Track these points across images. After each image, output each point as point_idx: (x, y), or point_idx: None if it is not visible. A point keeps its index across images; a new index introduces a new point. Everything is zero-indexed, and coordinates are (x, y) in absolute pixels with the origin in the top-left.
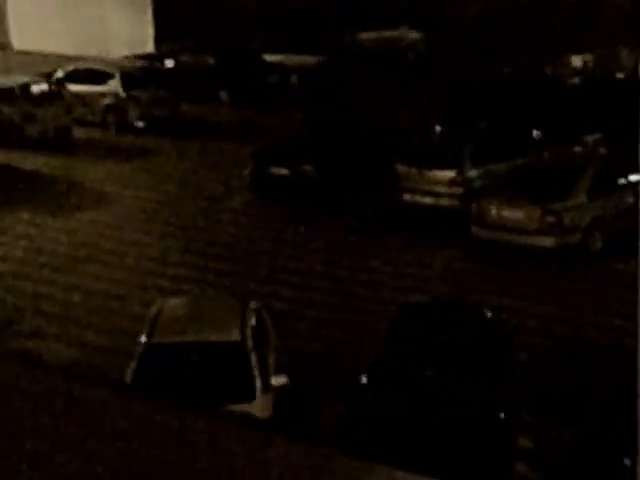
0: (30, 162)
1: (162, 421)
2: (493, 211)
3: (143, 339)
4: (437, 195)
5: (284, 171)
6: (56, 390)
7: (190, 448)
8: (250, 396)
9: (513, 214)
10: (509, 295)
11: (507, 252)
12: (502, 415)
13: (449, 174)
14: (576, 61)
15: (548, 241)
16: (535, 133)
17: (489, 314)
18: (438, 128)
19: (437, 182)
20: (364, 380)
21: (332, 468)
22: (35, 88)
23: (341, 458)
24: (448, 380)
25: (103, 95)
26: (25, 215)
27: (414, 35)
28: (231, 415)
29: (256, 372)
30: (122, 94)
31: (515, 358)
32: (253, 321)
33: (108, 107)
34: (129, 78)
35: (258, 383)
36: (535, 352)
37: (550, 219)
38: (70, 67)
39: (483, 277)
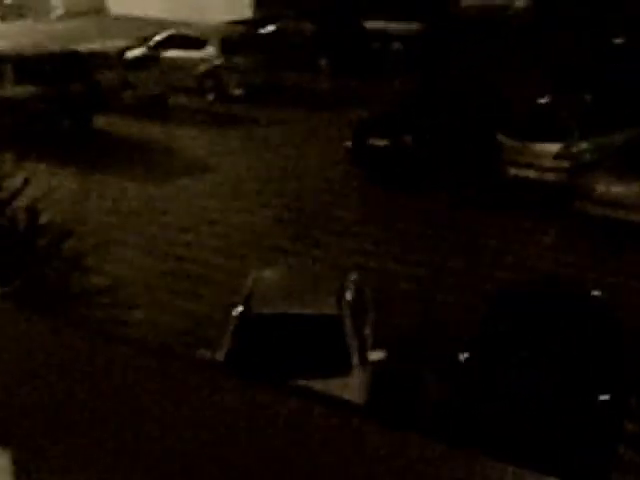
0: (126, 128)
1: (251, 401)
2: (601, 186)
3: (239, 310)
4: (542, 169)
5: (383, 142)
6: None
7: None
8: (346, 370)
9: (622, 190)
10: (615, 274)
11: (615, 229)
12: (607, 398)
13: (555, 147)
14: None
15: None
16: None
17: (595, 293)
18: (544, 99)
19: (542, 155)
20: (463, 357)
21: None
22: (132, 53)
23: (433, 445)
24: (551, 361)
25: (200, 61)
26: (120, 181)
27: (521, 2)
28: (322, 396)
29: (353, 346)
30: (220, 61)
31: (621, 339)
32: (351, 294)
33: (205, 74)
34: (227, 44)
35: (355, 357)
36: None
37: None
38: (167, 32)
39: (589, 255)
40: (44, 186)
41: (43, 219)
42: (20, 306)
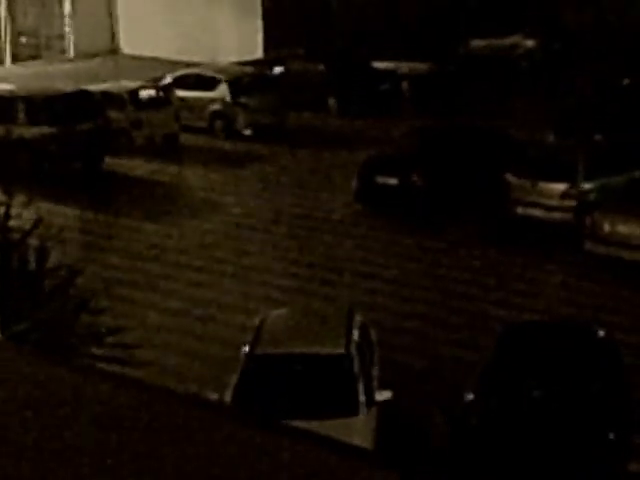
0: (137, 168)
1: (255, 444)
2: (608, 226)
3: (247, 350)
4: (549, 208)
5: (392, 181)
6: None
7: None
8: (354, 411)
9: (629, 229)
10: (622, 313)
11: (622, 268)
12: (612, 436)
13: (562, 187)
14: None
15: None
16: None
17: (601, 332)
18: (551, 139)
19: (549, 195)
20: (469, 397)
21: None
22: (143, 94)
23: None
24: (557, 400)
25: (211, 101)
26: (131, 221)
27: (529, 43)
28: (325, 438)
29: (360, 386)
30: (230, 101)
31: (627, 378)
32: (357, 334)
33: (215, 113)
34: (237, 85)
35: (362, 397)
36: None
37: None
38: (178, 73)
39: (596, 294)
40: (54, 226)
41: (53, 259)
42: (24, 348)
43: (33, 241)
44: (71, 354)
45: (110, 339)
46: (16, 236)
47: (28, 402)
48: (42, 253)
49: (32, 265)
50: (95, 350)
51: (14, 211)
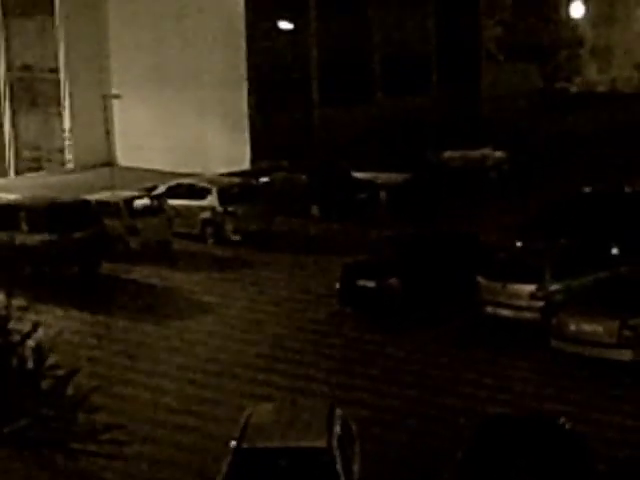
0: (132, 272)
1: None
2: (572, 324)
3: (233, 444)
4: (518, 308)
5: (371, 284)
6: None
7: None
8: None
9: (592, 327)
10: (588, 407)
11: (586, 365)
12: None
13: (530, 288)
14: None
15: (626, 355)
16: (613, 249)
17: (568, 425)
18: (519, 243)
19: (518, 295)
20: None
21: None
22: (138, 203)
23: None
24: None
25: (201, 210)
26: (126, 322)
27: (498, 154)
28: None
29: (341, 478)
30: (219, 208)
31: (594, 469)
32: (339, 428)
33: (206, 221)
34: (226, 194)
35: None
36: (614, 463)
37: (628, 333)
38: (171, 183)
39: (563, 389)
40: (53, 328)
41: (51, 360)
42: (19, 447)
43: (32, 342)
44: (67, 450)
45: (104, 435)
46: (16, 338)
47: None
48: (40, 353)
49: (31, 365)
50: (90, 446)
51: (15, 314)
